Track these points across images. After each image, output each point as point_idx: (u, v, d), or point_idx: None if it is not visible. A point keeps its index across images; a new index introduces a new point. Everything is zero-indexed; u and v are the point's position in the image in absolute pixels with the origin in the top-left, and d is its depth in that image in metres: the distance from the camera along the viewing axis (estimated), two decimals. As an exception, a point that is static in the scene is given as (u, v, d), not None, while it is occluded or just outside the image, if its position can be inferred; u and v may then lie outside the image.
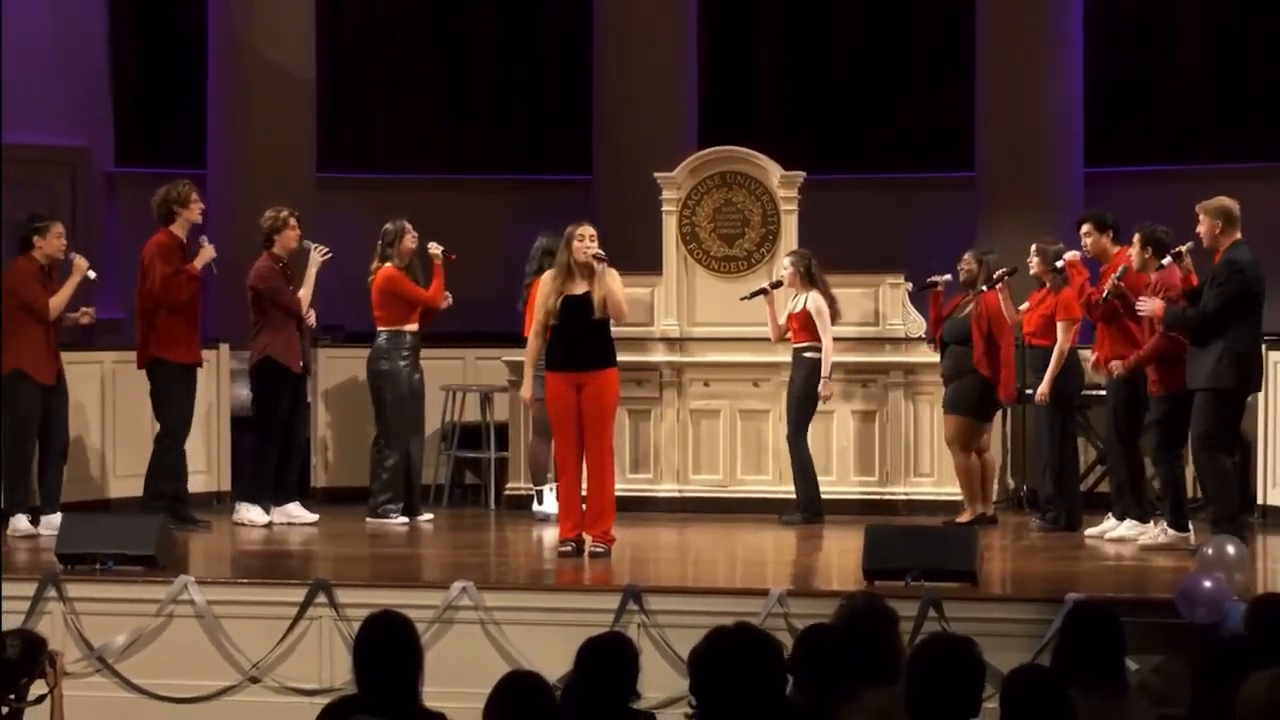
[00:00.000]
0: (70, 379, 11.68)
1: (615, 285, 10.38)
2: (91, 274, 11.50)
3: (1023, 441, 12.90)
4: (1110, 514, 11.34)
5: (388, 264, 12.07)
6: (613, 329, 10.59)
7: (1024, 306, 11.86)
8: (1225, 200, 10.33)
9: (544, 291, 10.47)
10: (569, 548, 10.44)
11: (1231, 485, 10.32)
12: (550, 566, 10.62)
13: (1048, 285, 11.59)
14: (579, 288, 10.35)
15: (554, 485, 12.22)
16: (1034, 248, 11.71)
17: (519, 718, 5.36)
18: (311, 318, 12.12)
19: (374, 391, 12.15)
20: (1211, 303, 10.12)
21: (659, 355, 12.65)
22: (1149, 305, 10.38)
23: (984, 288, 11.75)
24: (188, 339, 11.63)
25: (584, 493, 10.54)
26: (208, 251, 11.66)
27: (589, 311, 10.32)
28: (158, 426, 11.78)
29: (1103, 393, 11.59)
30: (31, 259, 11.44)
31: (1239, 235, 10.25)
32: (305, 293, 11.96)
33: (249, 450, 12.20)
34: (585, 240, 10.38)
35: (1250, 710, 5.05)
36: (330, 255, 12.06)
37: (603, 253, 10.35)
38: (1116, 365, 10.77)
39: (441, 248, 12.27)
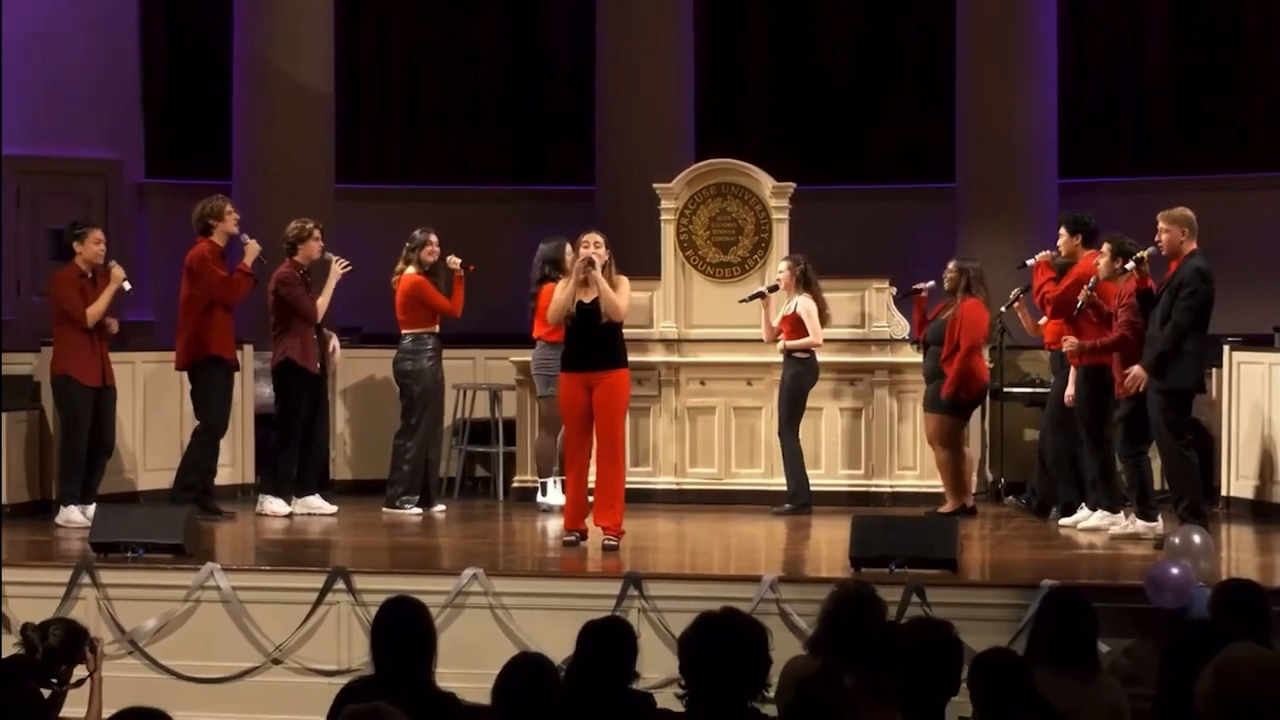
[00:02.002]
0: (108, 379, 11.71)
1: (608, 286, 10.24)
2: (127, 285, 11.50)
3: (1001, 436, 12.90)
4: (1083, 504, 11.35)
5: (411, 269, 12.07)
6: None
7: (1042, 320, 11.80)
8: (1186, 210, 10.31)
9: (562, 294, 10.37)
10: (573, 538, 10.41)
11: (1196, 476, 10.31)
12: (555, 554, 10.61)
13: None
14: (590, 293, 10.29)
15: (559, 479, 12.26)
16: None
17: (525, 697, 5.37)
18: (335, 351, 12.14)
19: (400, 389, 12.15)
20: (1185, 314, 10.07)
21: (657, 355, 12.65)
22: (1134, 373, 10.28)
23: (962, 295, 11.73)
24: (230, 338, 11.70)
25: (589, 486, 10.52)
26: (253, 247, 11.72)
27: (599, 316, 10.25)
28: (194, 422, 11.82)
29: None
30: (74, 266, 11.45)
31: (1195, 244, 10.23)
32: (323, 301, 11.96)
33: (271, 445, 12.22)
34: (589, 247, 10.32)
35: (1204, 699, 5.05)
36: (350, 268, 12.07)
37: (593, 258, 10.25)
38: (1070, 342, 10.69)
39: (459, 260, 12.27)
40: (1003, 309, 11.80)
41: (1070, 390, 11.25)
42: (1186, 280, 10.10)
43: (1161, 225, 10.29)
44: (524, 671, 5.44)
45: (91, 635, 7.39)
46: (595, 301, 10.24)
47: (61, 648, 7.05)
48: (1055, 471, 11.59)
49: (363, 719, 4.77)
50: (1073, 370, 11.23)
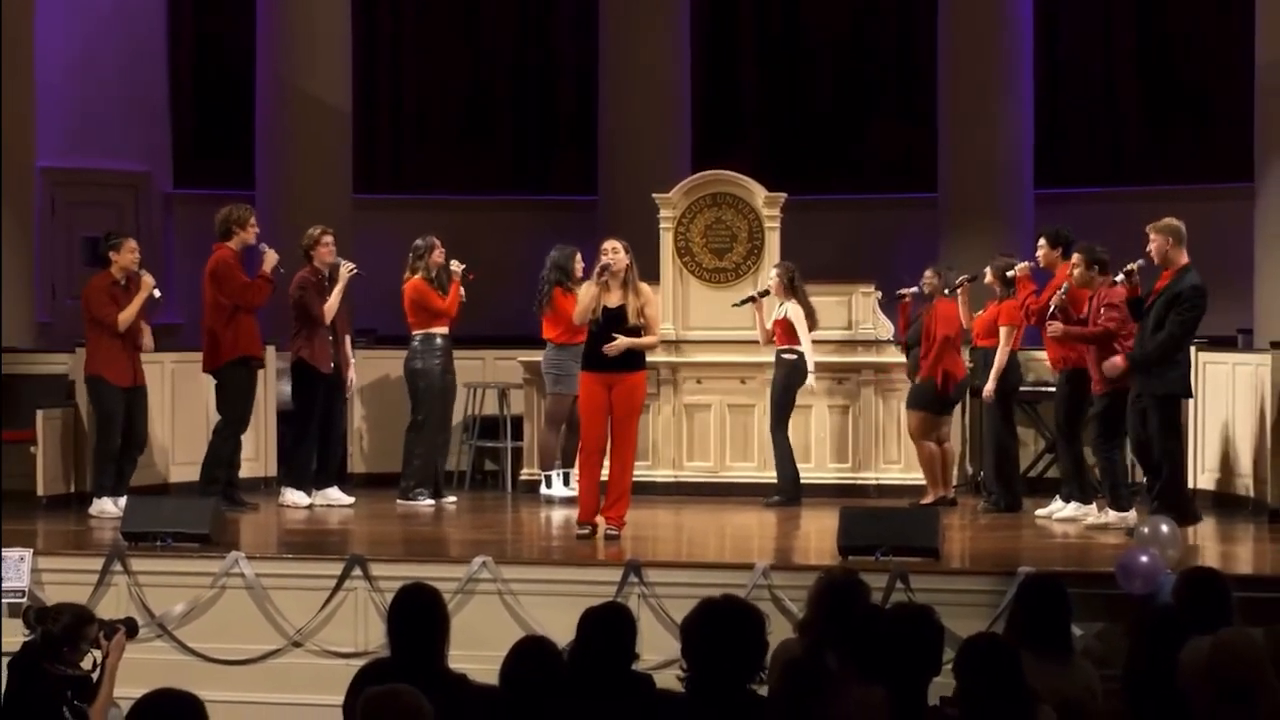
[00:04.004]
0: (139, 379, 11.71)
1: (646, 339, 10.22)
2: (157, 293, 11.48)
3: (980, 432, 12.89)
4: (1057, 496, 11.35)
5: (416, 275, 12.07)
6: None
7: (979, 313, 11.87)
8: (1175, 221, 10.21)
9: (586, 297, 10.30)
10: (585, 531, 10.31)
11: (1181, 476, 10.34)
12: (560, 543, 10.60)
13: (997, 294, 11.64)
14: (615, 297, 10.23)
15: (561, 472, 12.26)
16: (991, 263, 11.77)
17: (531, 677, 5.37)
18: (351, 373, 12.12)
19: (410, 387, 12.15)
20: (1179, 327, 10.01)
21: (657, 355, 12.59)
22: (1114, 361, 10.31)
23: (946, 291, 11.76)
24: (256, 337, 11.70)
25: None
26: (271, 256, 11.71)
27: (621, 320, 10.17)
28: (218, 418, 11.84)
29: (1051, 389, 11.67)
30: (107, 274, 11.43)
31: (1185, 255, 10.13)
32: (331, 302, 11.93)
33: (289, 440, 12.22)
34: (606, 254, 10.26)
35: (1193, 672, 5.05)
36: (356, 271, 12.04)
37: (605, 264, 10.19)
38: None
39: (463, 266, 12.26)
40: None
41: (990, 387, 11.35)
42: (1186, 295, 9.99)
43: (1151, 235, 10.23)
44: (530, 654, 5.44)
45: (111, 622, 7.36)
46: (620, 306, 10.18)
47: (64, 633, 7.02)
48: (1004, 469, 11.61)
49: (382, 699, 4.77)
50: (994, 371, 11.35)
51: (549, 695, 5.37)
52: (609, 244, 10.32)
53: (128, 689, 7.06)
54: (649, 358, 12.46)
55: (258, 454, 12.88)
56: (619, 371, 10.20)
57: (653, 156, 16.31)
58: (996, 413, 11.60)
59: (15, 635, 8.76)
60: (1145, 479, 10.46)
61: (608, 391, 10.20)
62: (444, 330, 12.11)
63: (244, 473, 12.17)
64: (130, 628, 7.43)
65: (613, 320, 10.17)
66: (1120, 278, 10.33)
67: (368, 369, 13.33)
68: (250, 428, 12.12)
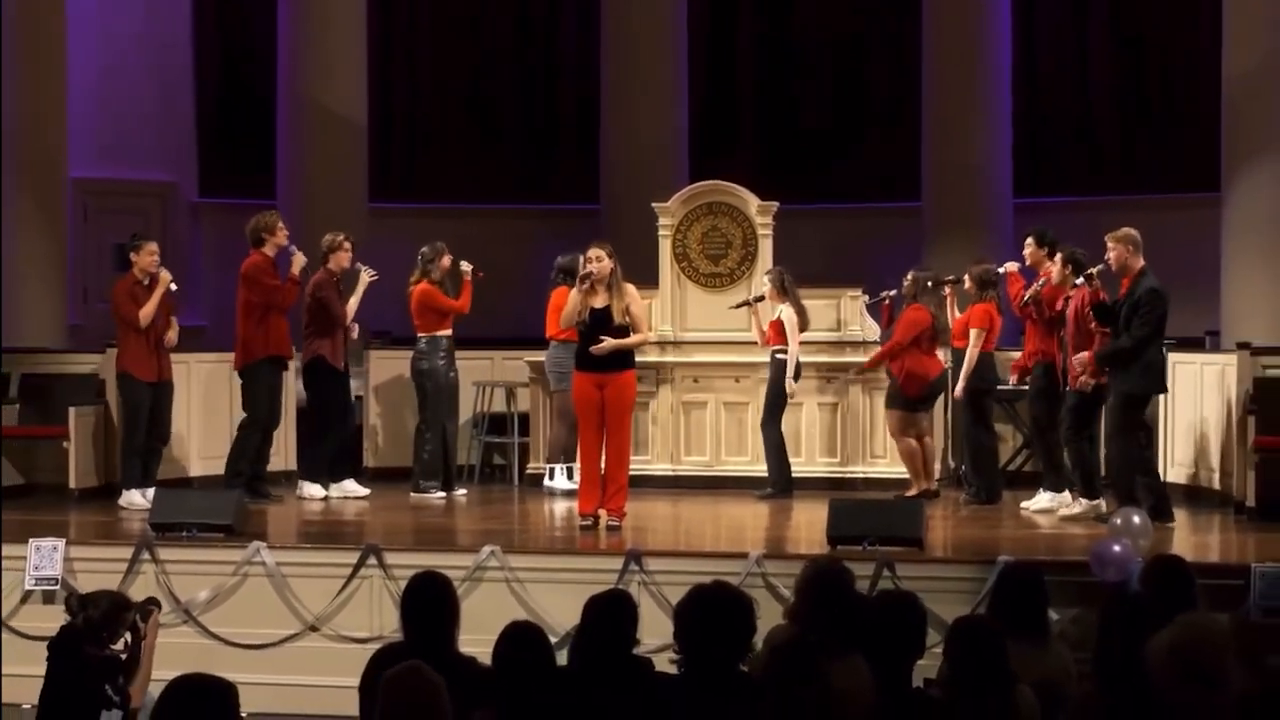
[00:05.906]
0: (164, 377, 11.71)
1: (631, 338, 10.21)
2: (174, 286, 11.54)
3: (958, 429, 12.90)
4: (1041, 488, 11.36)
5: (425, 280, 12.07)
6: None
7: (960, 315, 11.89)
8: (1132, 230, 10.35)
9: (573, 298, 10.32)
10: (588, 522, 10.33)
11: (1135, 470, 10.35)
12: (565, 533, 10.60)
13: (972, 297, 11.67)
14: (600, 299, 10.26)
15: (565, 466, 12.27)
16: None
17: (519, 658, 5.36)
18: (355, 330, 12.10)
19: (416, 386, 12.15)
20: (1141, 329, 10.09)
21: (655, 355, 12.65)
22: (1080, 359, 10.34)
23: (930, 283, 11.78)
24: (285, 338, 11.71)
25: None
26: (299, 259, 11.73)
27: (606, 321, 10.19)
28: (242, 415, 11.84)
29: (1027, 388, 11.67)
30: (130, 275, 11.50)
31: (1142, 260, 10.25)
32: (353, 305, 11.98)
33: (309, 436, 12.21)
34: (592, 261, 10.30)
35: (1159, 659, 5.06)
36: (377, 277, 12.07)
37: (590, 272, 10.14)
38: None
39: (471, 265, 12.29)
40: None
41: (960, 386, 11.43)
42: (1143, 299, 10.13)
43: (1110, 245, 10.32)
44: (516, 638, 5.44)
45: (142, 604, 7.38)
46: (605, 307, 10.19)
47: (102, 619, 7.06)
48: (982, 464, 11.62)
49: (403, 678, 4.77)
50: (964, 370, 11.41)
51: (537, 676, 5.36)
52: (592, 251, 10.31)
53: (154, 671, 7.09)
54: (646, 357, 12.53)
55: (278, 449, 12.85)
56: (609, 371, 10.19)
57: (653, 160, 16.35)
58: (968, 411, 11.63)
59: (37, 620, 8.83)
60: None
61: (599, 391, 10.21)
62: (448, 332, 12.12)
63: (270, 466, 12.17)
64: (156, 604, 7.50)
65: (599, 321, 10.18)
66: (1080, 280, 10.39)
67: (383, 369, 13.35)
68: (280, 424, 12.11)
